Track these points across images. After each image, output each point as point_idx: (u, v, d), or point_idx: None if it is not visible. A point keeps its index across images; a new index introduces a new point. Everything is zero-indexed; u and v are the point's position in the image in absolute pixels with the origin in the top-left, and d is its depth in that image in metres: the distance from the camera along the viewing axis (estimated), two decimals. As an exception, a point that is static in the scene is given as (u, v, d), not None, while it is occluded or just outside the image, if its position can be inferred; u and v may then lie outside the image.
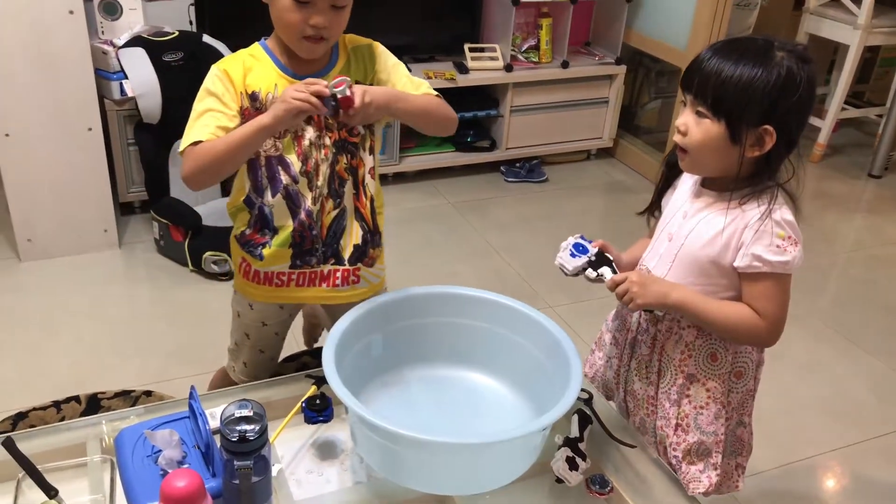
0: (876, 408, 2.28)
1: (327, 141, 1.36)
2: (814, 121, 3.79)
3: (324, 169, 1.37)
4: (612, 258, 1.28)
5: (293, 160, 1.35)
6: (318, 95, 1.22)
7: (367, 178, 1.42)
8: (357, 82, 1.35)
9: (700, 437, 1.30)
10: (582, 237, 1.30)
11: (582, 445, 1.20)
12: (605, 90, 3.61)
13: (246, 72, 1.33)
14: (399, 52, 3.83)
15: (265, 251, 1.42)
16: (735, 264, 1.20)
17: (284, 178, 1.36)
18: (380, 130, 1.46)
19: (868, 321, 2.69)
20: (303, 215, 1.39)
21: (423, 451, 1.10)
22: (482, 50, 3.42)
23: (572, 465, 1.16)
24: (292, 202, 1.38)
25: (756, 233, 1.17)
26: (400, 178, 3.41)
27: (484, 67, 3.37)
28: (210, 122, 1.30)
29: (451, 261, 2.87)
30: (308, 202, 1.38)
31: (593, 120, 3.66)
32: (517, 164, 3.57)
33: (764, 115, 1.13)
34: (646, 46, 3.56)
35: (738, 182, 1.20)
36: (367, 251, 1.46)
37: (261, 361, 1.61)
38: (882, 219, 3.43)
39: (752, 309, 1.21)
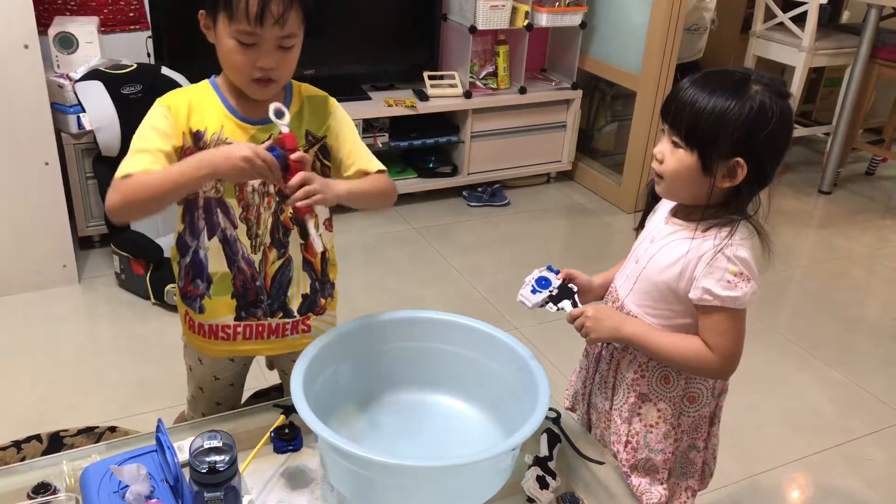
0: (835, 417, 2.33)
1: (271, 189, 1.33)
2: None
3: (265, 217, 1.34)
4: (575, 289, 1.30)
5: (233, 204, 1.32)
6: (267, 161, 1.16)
7: (322, 229, 1.40)
8: (309, 132, 1.33)
9: (648, 454, 1.32)
10: (549, 268, 1.32)
11: (551, 464, 1.22)
12: (563, 114, 3.68)
13: (191, 110, 1.28)
14: (359, 80, 3.86)
15: (204, 303, 1.39)
16: (689, 296, 1.22)
17: (223, 222, 1.33)
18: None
19: (825, 333, 2.76)
20: (242, 263, 1.36)
21: (394, 476, 1.10)
22: (441, 77, 3.47)
23: (543, 483, 1.17)
24: (229, 248, 1.35)
25: (707, 266, 1.18)
26: (363, 205, 3.42)
27: (443, 94, 3.42)
28: (145, 160, 1.24)
29: (417, 285, 2.88)
30: (247, 250, 1.35)
31: (552, 144, 3.72)
32: (479, 189, 3.61)
33: (735, 147, 1.14)
34: (601, 71, 3.65)
35: (705, 212, 1.21)
36: (318, 300, 1.45)
37: (219, 412, 1.55)
38: (833, 233, 3.54)
39: (704, 342, 1.22)
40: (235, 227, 1.33)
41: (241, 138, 1.29)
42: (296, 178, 1.18)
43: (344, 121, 1.38)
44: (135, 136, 1.28)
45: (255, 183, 1.31)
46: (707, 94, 1.15)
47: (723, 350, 1.21)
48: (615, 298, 1.34)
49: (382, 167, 1.39)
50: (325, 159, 1.38)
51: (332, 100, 1.39)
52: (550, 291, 1.29)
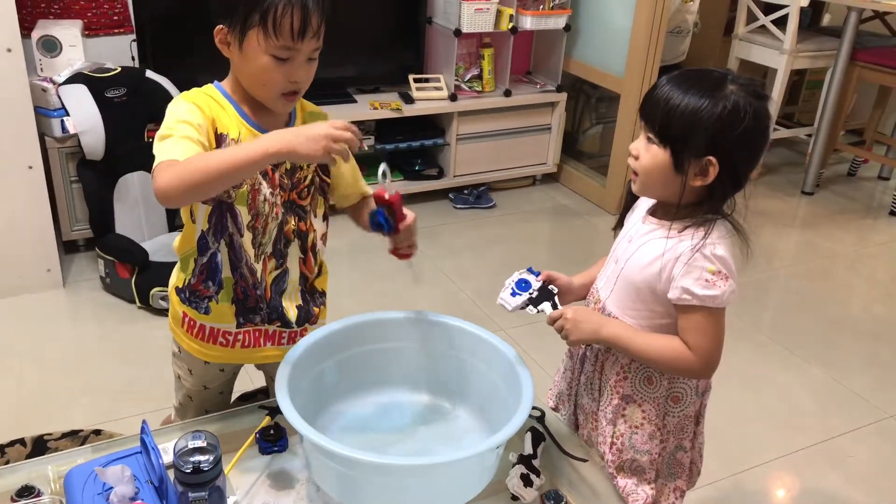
0: (817, 415, 2.36)
1: (278, 200, 1.33)
2: (748, 142, 3.94)
3: (271, 227, 1.34)
4: (555, 290, 1.31)
5: (243, 211, 1.31)
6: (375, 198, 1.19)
7: (318, 244, 1.42)
8: None
9: (633, 455, 1.32)
10: (530, 269, 1.33)
11: (536, 462, 1.23)
12: (548, 117, 3.69)
13: (214, 112, 1.26)
14: (345, 83, 3.86)
15: (211, 305, 1.38)
16: (668, 295, 1.22)
17: (231, 227, 1.32)
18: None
19: (807, 332, 2.79)
20: (245, 270, 1.35)
21: (379, 475, 1.11)
22: (427, 80, 3.48)
23: (527, 481, 1.18)
24: (234, 254, 1.34)
25: (685, 266, 1.18)
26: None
27: (429, 97, 3.43)
28: (192, 148, 1.17)
29: (404, 288, 2.88)
30: (250, 258, 1.35)
31: (537, 146, 3.74)
32: (465, 191, 3.62)
33: (707, 145, 1.15)
34: (585, 74, 3.67)
35: (680, 211, 1.21)
36: (311, 311, 1.46)
37: None
38: (816, 234, 3.58)
39: (683, 342, 1.22)
40: (241, 235, 1.32)
41: None
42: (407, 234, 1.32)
43: None
44: (166, 129, 1.20)
45: (266, 192, 1.31)
46: (682, 91, 1.16)
47: (702, 350, 1.22)
48: (597, 300, 1.35)
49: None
50: (325, 175, 1.40)
51: (328, 116, 1.41)
52: (530, 294, 1.30)
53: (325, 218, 1.43)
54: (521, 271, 1.33)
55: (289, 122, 1.35)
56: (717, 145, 1.15)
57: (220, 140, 1.26)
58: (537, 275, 1.32)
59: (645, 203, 1.33)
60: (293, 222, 1.36)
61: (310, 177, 1.37)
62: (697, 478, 1.41)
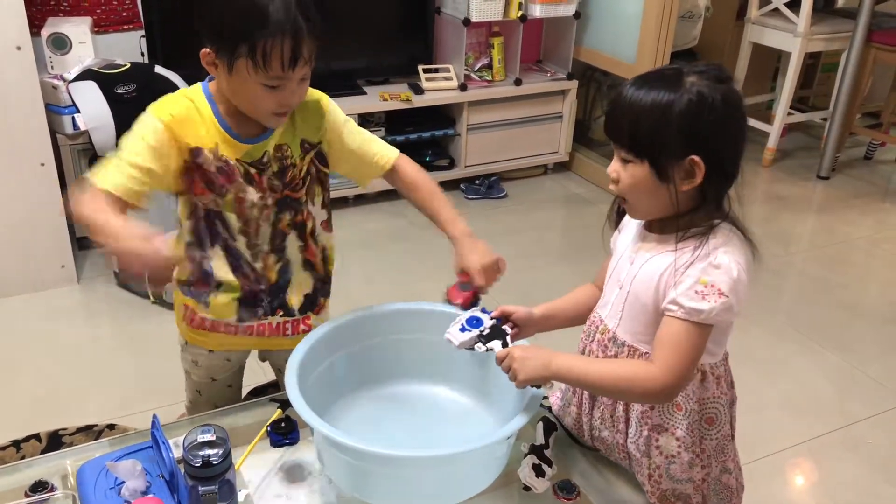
0: (835, 401, 2.33)
1: (269, 202, 1.32)
2: (762, 126, 3.90)
3: (264, 228, 1.33)
4: (508, 331, 1.23)
5: (232, 218, 1.31)
6: None
7: (318, 230, 1.40)
8: (304, 140, 1.33)
9: (673, 485, 1.22)
10: (483, 309, 1.27)
11: (547, 452, 1.22)
12: (559, 105, 3.67)
13: (189, 127, 1.25)
14: (354, 75, 3.84)
15: (211, 299, 1.38)
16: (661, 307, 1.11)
17: (223, 232, 1.32)
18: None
19: (824, 318, 2.76)
20: (246, 269, 1.36)
21: (391, 467, 1.11)
22: (436, 70, 3.46)
23: (539, 472, 1.18)
24: (231, 256, 1.34)
25: (682, 276, 1.08)
26: (361, 199, 3.42)
27: (439, 87, 3.41)
28: (126, 177, 1.21)
29: (416, 280, 2.88)
30: (248, 259, 1.35)
31: (548, 135, 3.71)
32: (477, 182, 3.60)
33: (685, 145, 1.05)
34: (596, 61, 3.64)
35: (679, 221, 1.11)
36: (318, 300, 1.45)
37: None
38: (832, 218, 3.53)
39: (646, 360, 1.12)
40: (235, 240, 1.33)
41: (235, 155, 1.28)
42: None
43: (342, 119, 1.38)
44: (125, 141, 1.23)
45: (255, 198, 1.30)
46: (640, 98, 1.07)
47: (667, 365, 1.07)
48: (602, 330, 1.23)
49: (396, 150, 1.45)
50: (322, 165, 1.38)
51: (326, 99, 1.37)
52: (481, 331, 1.22)
53: (325, 205, 1.41)
54: (475, 309, 1.27)
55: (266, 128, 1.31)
56: (694, 142, 1.06)
57: (195, 154, 1.25)
58: (489, 314, 1.26)
59: (633, 222, 1.23)
60: (288, 217, 1.35)
61: (305, 169, 1.35)
62: (742, 492, 1.31)
